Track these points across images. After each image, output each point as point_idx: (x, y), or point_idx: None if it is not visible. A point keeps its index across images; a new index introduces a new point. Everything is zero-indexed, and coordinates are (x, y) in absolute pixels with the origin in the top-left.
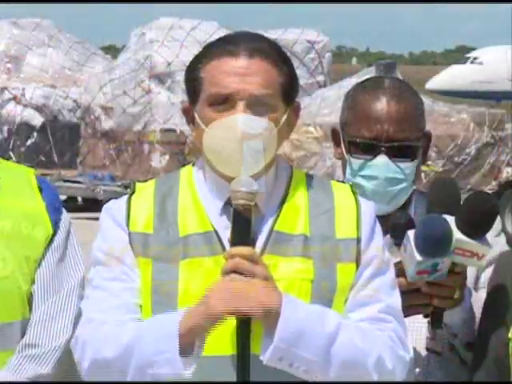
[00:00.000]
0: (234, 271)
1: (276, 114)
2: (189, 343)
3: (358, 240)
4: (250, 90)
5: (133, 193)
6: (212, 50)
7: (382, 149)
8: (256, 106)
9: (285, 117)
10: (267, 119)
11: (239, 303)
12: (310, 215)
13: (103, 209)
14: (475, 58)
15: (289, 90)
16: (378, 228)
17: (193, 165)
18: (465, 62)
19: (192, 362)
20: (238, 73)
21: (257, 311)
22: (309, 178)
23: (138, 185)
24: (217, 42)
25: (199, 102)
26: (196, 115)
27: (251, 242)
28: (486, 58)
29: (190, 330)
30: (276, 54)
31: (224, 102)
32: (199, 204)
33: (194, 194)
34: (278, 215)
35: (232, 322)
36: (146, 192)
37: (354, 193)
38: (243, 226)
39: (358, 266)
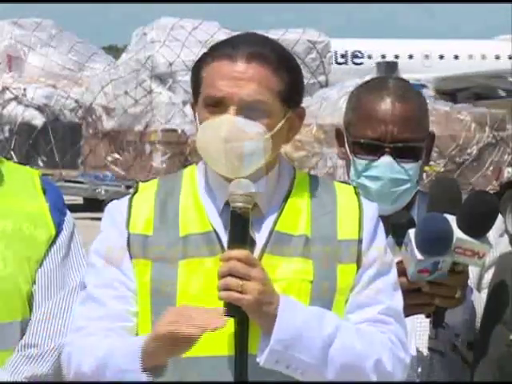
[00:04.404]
0: (230, 274)
1: (271, 119)
2: (154, 363)
3: (360, 241)
4: (242, 96)
5: (135, 193)
6: (214, 52)
7: (387, 149)
8: (248, 110)
9: (282, 122)
10: (259, 123)
11: (181, 326)
12: (313, 216)
13: (105, 209)
14: None
15: (288, 97)
16: (381, 229)
17: (196, 164)
18: None
19: (158, 377)
20: (234, 77)
21: (195, 334)
22: (312, 178)
23: (141, 185)
24: (220, 43)
25: (199, 101)
26: (196, 114)
27: (249, 244)
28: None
29: (151, 353)
30: (276, 60)
31: (218, 105)
32: (200, 204)
33: (195, 194)
34: (279, 216)
35: (230, 323)
36: (148, 192)
37: (356, 194)
38: (241, 229)
39: (358, 267)
